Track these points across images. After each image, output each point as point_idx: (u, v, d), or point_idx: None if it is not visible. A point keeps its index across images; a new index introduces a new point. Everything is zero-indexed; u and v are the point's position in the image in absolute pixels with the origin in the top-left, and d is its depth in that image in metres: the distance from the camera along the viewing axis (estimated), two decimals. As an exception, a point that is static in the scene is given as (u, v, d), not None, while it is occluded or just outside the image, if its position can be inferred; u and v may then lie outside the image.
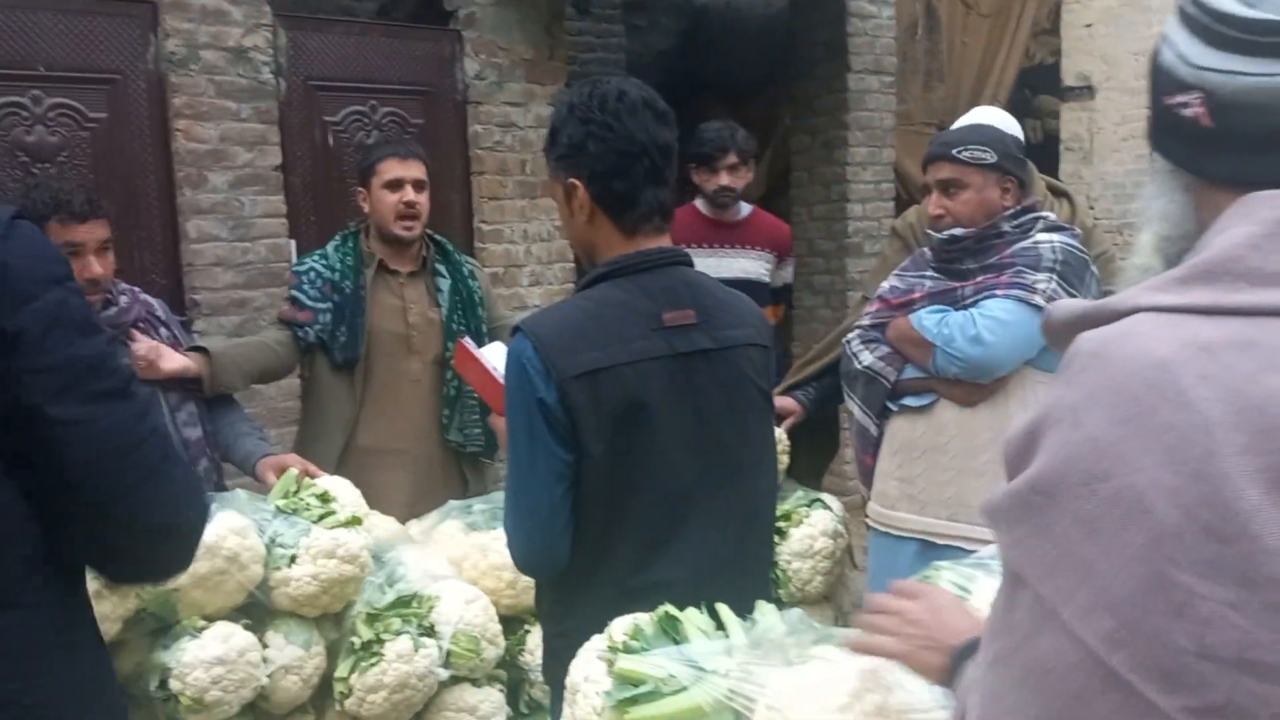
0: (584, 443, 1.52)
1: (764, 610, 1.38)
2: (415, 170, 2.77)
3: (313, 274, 2.77)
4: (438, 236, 2.93)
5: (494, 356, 2.04)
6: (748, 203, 3.88)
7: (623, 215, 1.61)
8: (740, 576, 1.67)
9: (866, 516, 2.57)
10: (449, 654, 2.16)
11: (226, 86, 3.87)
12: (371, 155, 2.81)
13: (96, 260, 2.33)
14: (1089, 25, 6.95)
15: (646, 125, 1.58)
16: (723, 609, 1.36)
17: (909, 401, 2.39)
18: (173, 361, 2.45)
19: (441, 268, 2.86)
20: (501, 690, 2.29)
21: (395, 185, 2.74)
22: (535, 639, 2.36)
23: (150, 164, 3.78)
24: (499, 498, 2.68)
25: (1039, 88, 8.14)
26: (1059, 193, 2.80)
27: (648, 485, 1.57)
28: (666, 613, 1.33)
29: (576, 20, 5.93)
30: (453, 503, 2.66)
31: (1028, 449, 0.80)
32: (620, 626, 1.35)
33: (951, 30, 6.33)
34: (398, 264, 2.83)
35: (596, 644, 1.37)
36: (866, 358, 2.44)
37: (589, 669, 1.32)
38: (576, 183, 1.60)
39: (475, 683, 2.25)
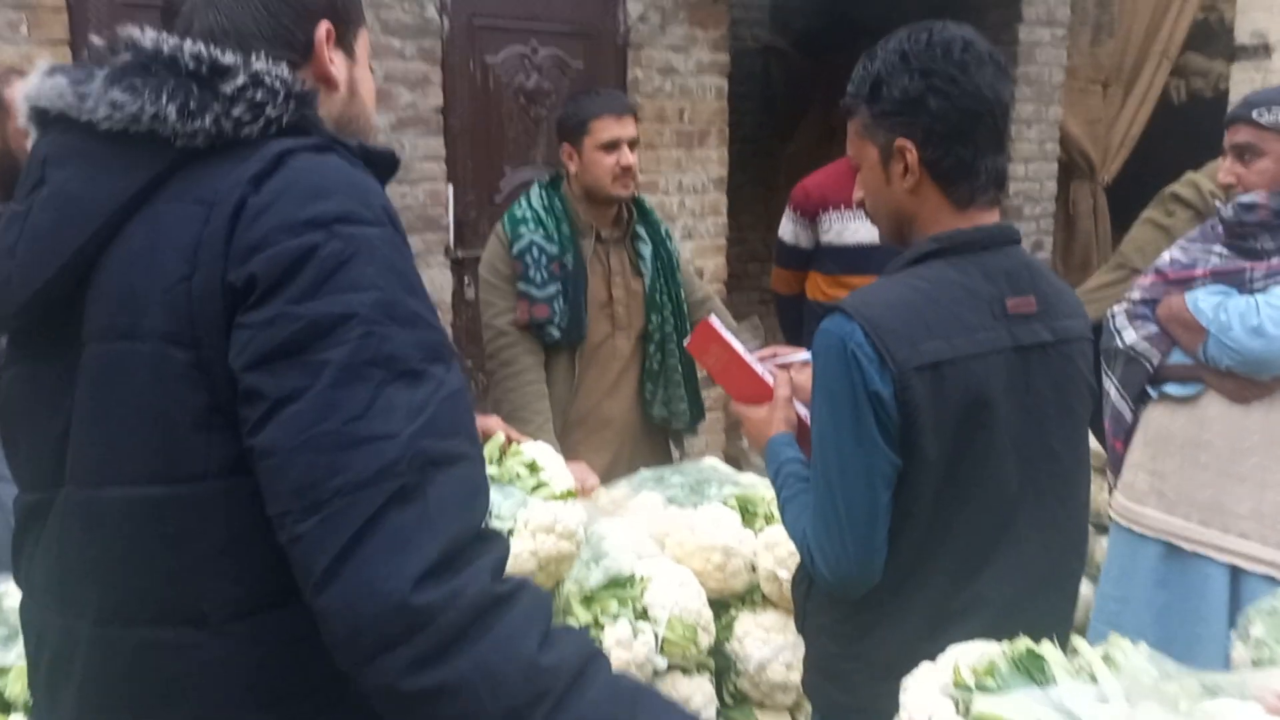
0: (919, 444, 1.35)
1: (1122, 648, 1.21)
2: (631, 128, 2.56)
3: (535, 251, 2.54)
4: (637, 193, 2.76)
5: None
6: None
7: (958, 185, 1.41)
8: (1057, 594, 1.51)
9: (1110, 507, 2.38)
10: (663, 641, 2.04)
11: (392, 24, 3.75)
12: (583, 111, 2.57)
13: None
14: (1271, -22, 6.43)
15: (993, 81, 1.39)
16: (1085, 648, 1.19)
17: (1172, 390, 2.19)
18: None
19: (642, 231, 2.68)
20: (711, 680, 2.17)
21: (612, 146, 2.53)
22: (744, 625, 2.23)
23: (315, 102, 3.67)
24: (694, 470, 2.55)
25: (1188, 44, 7.63)
26: None
27: (976, 494, 1.40)
28: (1029, 649, 1.17)
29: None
30: (644, 472, 2.54)
31: None
32: (967, 658, 1.19)
33: (1124, -20, 5.92)
34: (603, 228, 2.65)
35: (933, 676, 1.21)
36: (1130, 335, 2.23)
37: (933, 706, 1.17)
38: (907, 144, 1.39)
39: (686, 671, 2.13)
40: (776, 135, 6.55)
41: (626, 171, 2.54)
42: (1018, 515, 1.43)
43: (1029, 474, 1.43)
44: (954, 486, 1.38)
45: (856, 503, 1.36)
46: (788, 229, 3.70)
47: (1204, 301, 2.10)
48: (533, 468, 2.17)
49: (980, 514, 1.41)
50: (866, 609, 1.45)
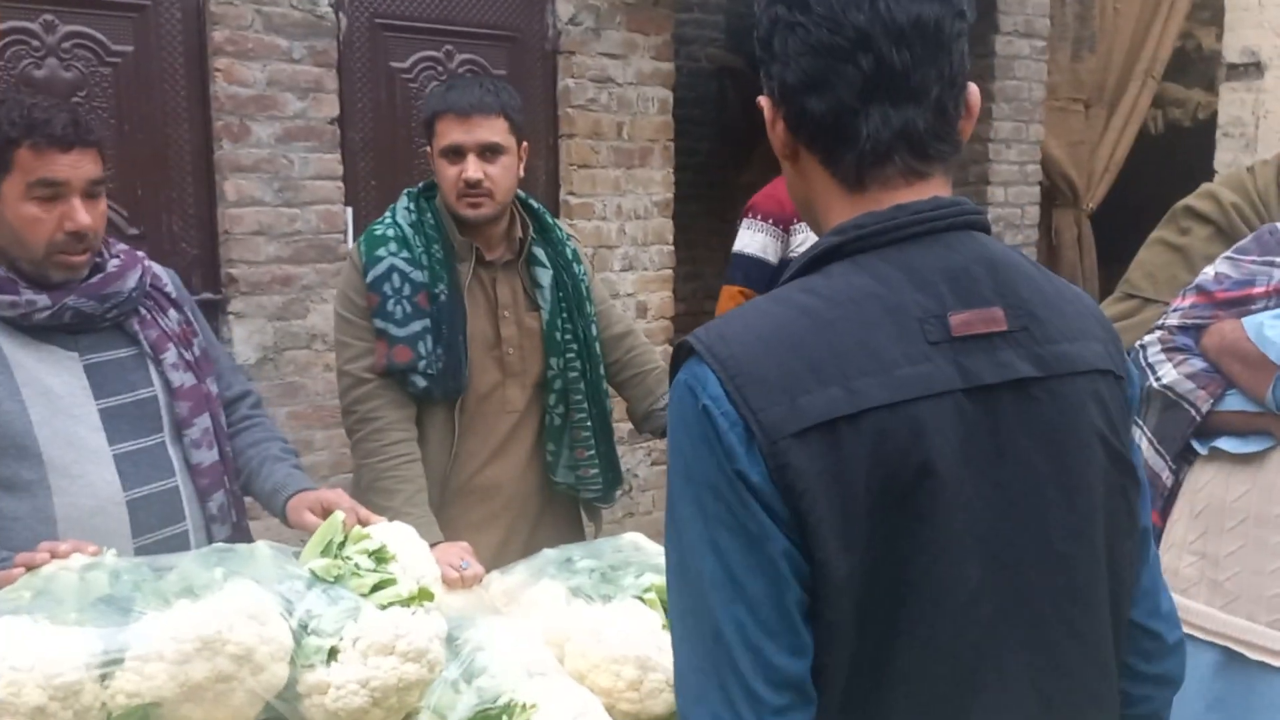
0: (817, 556, 0.84)
1: None
2: (482, 132, 1.99)
3: (396, 278, 2.02)
4: (533, 203, 2.21)
5: None
6: None
7: (835, 155, 0.94)
8: None
9: None
10: (553, 796, 1.49)
11: (277, 20, 3.28)
12: (428, 107, 2.07)
13: (84, 206, 1.68)
14: (1259, -7, 6.08)
15: None
16: None
17: (1226, 445, 1.69)
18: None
19: (541, 252, 2.14)
20: (622, 842, 1.61)
21: (454, 154, 2.00)
22: (667, 765, 1.68)
23: (184, 110, 3.22)
24: (610, 550, 2.02)
25: (1165, 73, 7.33)
26: None
27: (921, 626, 0.87)
28: None
29: (674, -27, 5.24)
30: (547, 553, 1.99)
31: None
32: None
33: (1104, -7, 5.53)
34: (488, 249, 2.11)
35: None
36: (1168, 373, 1.73)
37: None
38: (765, 103, 0.99)
39: (587, 834, 1.57)
40: (732, 162, 6.09)
41: (472, 188, 2.00)
42: (998, 655, 0.90)
43: (1010, 589, 0.90)
44: (881, 616, 0.86)
45: (760, 605, 0.85)
46: (755, 241, 3.17)
47: (1272, 328, 1.60)
48: (380, 557, 1.61)
49: (929, 662, 0.87)
50: None
